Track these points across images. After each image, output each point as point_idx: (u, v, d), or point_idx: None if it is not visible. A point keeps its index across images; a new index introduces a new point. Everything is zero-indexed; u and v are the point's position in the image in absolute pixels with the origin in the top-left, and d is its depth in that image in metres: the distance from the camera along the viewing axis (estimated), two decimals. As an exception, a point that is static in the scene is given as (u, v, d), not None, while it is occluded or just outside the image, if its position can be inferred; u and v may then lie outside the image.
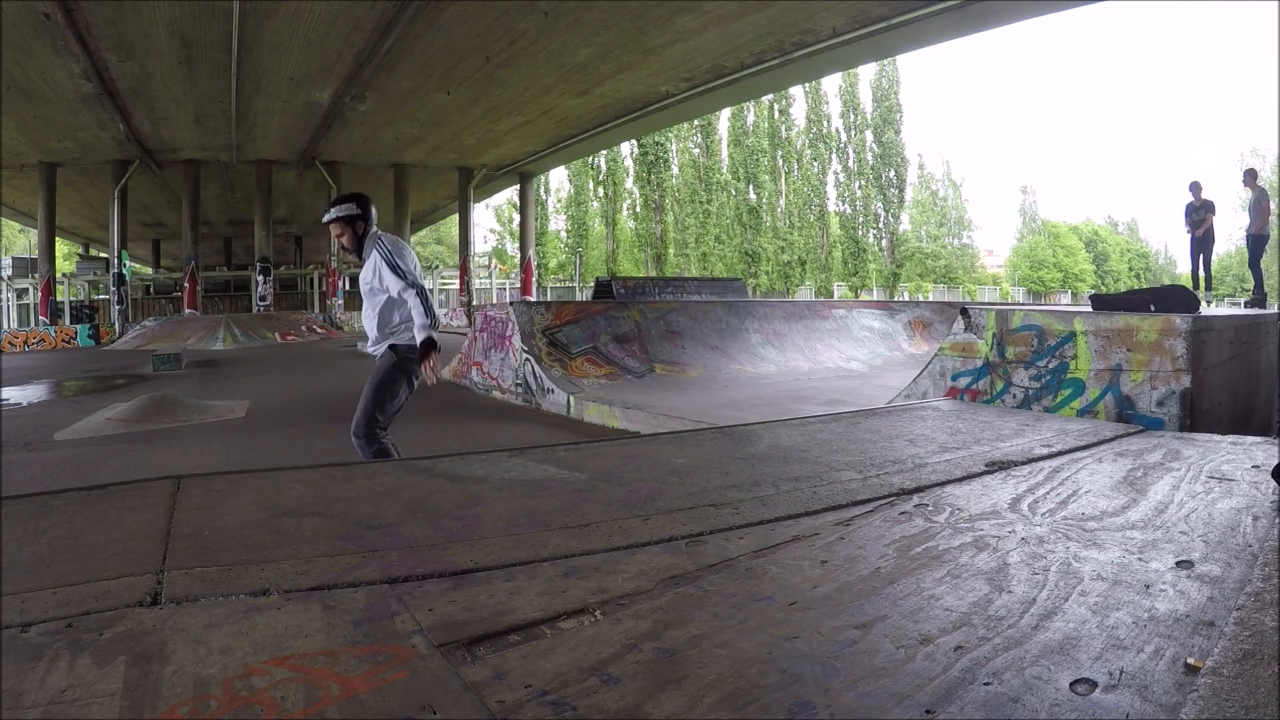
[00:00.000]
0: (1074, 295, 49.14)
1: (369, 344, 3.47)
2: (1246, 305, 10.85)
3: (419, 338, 3.22)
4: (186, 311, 24.73)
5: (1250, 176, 10.33)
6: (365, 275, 3.40)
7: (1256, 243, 10.23)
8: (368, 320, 3.43)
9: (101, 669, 1.26)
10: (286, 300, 31.53)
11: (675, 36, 15.70)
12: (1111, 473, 2.74)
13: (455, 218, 33.38)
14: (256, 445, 5.56)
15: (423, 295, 3.25)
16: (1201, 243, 10.56)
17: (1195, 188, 10.51)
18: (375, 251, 3.34)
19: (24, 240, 42.81)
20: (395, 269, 3.27)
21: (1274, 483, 2.38)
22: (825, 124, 45.72)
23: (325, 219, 3.41)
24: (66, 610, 1.49)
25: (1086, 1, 13.66)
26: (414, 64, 16.91)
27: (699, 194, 43.27)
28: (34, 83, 16.47)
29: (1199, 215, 10.45)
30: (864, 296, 41.68)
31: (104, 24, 14.01)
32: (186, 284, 24.96)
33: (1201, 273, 10.70)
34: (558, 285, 43.62)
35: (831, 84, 44.53)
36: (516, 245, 38.43)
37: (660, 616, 1.50)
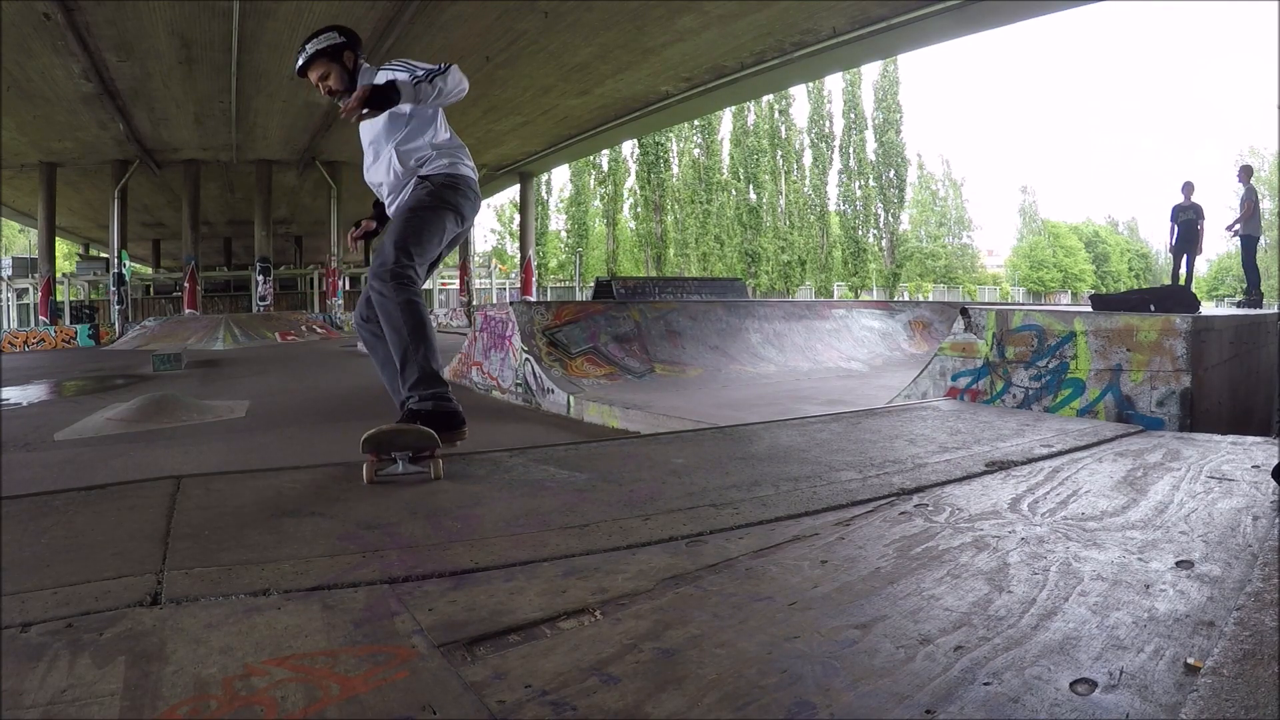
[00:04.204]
0: (1074, 295, 49.13)
1: (391, 206, 2.72)
2: (1238, 306, 10.86)
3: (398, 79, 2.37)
4: (186, 311, 24.73)
5: (1245, 173, 10.34)
6: (364, 127, 2.67)
7: (1245, 242, 10.26)
8: (379, 172, 2.69)
9: (101, 669, 1.26)
10: (286, 300, 31.53)
11: (675, 36, 15.71)
12: (1111, 473, 2.74)
13: (455, 218, 33.29)
14: (256, 445, 5.56)
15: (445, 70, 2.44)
16: (1185, 243, 10.57)
17: (1187, 188, 10.52)
18: (387, 73, 2.54)
19: (24, 240, 42.80)
20: (409, 69, 2.49)
21: (1274, 483, 2.38)
22: (827, 124, 45.72)
23: (302, 61, 2.62)
24: (66, 610, 1.49)
25: (1087, 1, 13.67)
26: (414, 64, 16.92)
27: (699, 194, 43.27)
28: (34, 83, 16.47)
29: (1186, 216, 10.46)
30: (864, 296, 41.67)
31: (104, 24, 14.02)
32: (186, 284, 24.97)
33: (1183, 272, 10.72)
34: (558, 285, 43.62)
35: (833, 83, 44.54)
36: (516, 245, 38.42)
37: (660, 616, 1.50)
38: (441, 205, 2.60)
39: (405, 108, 2.55)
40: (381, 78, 2.54)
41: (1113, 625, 1.45)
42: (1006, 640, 1.40)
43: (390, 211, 2.74)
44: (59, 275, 26.58)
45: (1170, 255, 11.17)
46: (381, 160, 2.67)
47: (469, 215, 2.69)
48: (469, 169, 2.74)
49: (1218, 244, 41.65)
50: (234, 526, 2.06)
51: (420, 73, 2.44)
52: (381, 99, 2.32)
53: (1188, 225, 10.45)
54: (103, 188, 24.41)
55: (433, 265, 2.71)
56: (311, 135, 22.29)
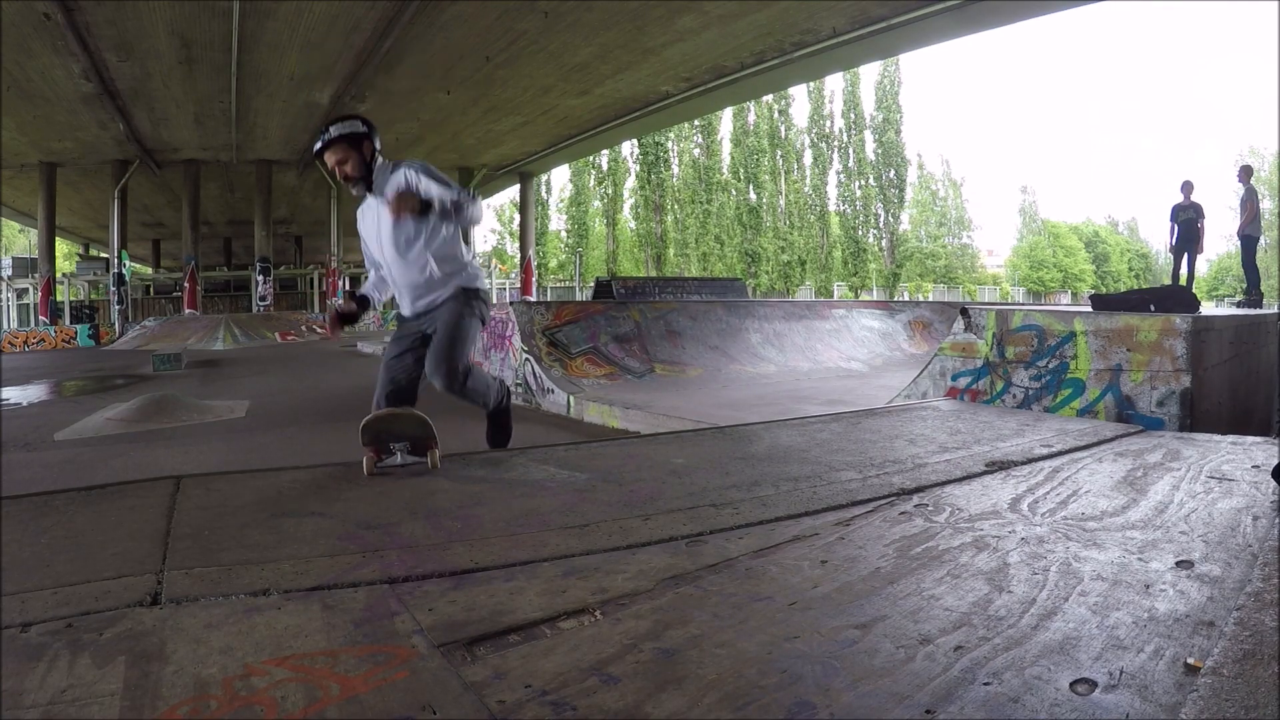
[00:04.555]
0: (1074, 295, 49.12)
1: (417, 302, 2.91)
2: (1239, 306, 10.84)
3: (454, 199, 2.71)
4: (186, 311, 24.72)
5: (1245, 173, 10.32)
6: (385, 217, 2.78)
7: (1245, 242, 10.24)
8: (409, 273, 2.85)
9: (101, 669, 1.26)
10: (286, 300, 31.51)
11: (675, 36, 15.70)
12: (1111, 473, 2.74)
13: (455, 218, 33.28)
14: (256, 445, 5.55)
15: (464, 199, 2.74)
16: (1185, 242, 10.54)
17: (1186, 187, 10.50)
18: (405, 175, 2.77)
19: (24, 240, 42.79)
20: (441, 180, 2.75)
21: (1274, 483, 2.38)
22: (827, 124, 45.72)
23: (321, 143, 2.78)
24: (66, 610, 1.49)
25: (1087, 1, 13.67)
26: (414, 64, 16.91)
27: (699, 194, 43.26)
28: (34, 83, 16.47)
29: (1185, 215, 10.43)
30: (864, 296, 41.67)
31: (104, 24, 14.01)
32: (186, 284, 24.96)
33: (1184, 272, 10.69)
34: (558, 285, 43.60)
35: (833, 83, 44.53)
36: (516, 245, 38.43)
37: (660, 616, 1.50)
38: (477, 318, 2.97)
39: (449, 198, 2.79)
40: (399, 177, 2.80)
41: (1113, 625, 1.45)
42: (1006, 640, 1.40)
43: (412, 304, 2.95)
44: (59, 275, 26.57)
45: (1170, 255, 11.15)
46: (413, 262, 2.85)
47: (487, 319, 3.12)
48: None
49: (1218, 244, 41.61)
50: (234, 526, 2.06)
51: (454, 192, 2.75)
52: (425, 209, 2.69)
53: (1187, 225, 10.43)
54: (103, 188, 24.39)
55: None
56: (311, 135, 22.27)
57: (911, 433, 3.54)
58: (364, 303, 3.06)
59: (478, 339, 3.05)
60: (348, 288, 29.42)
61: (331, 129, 2.78)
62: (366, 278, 3.19)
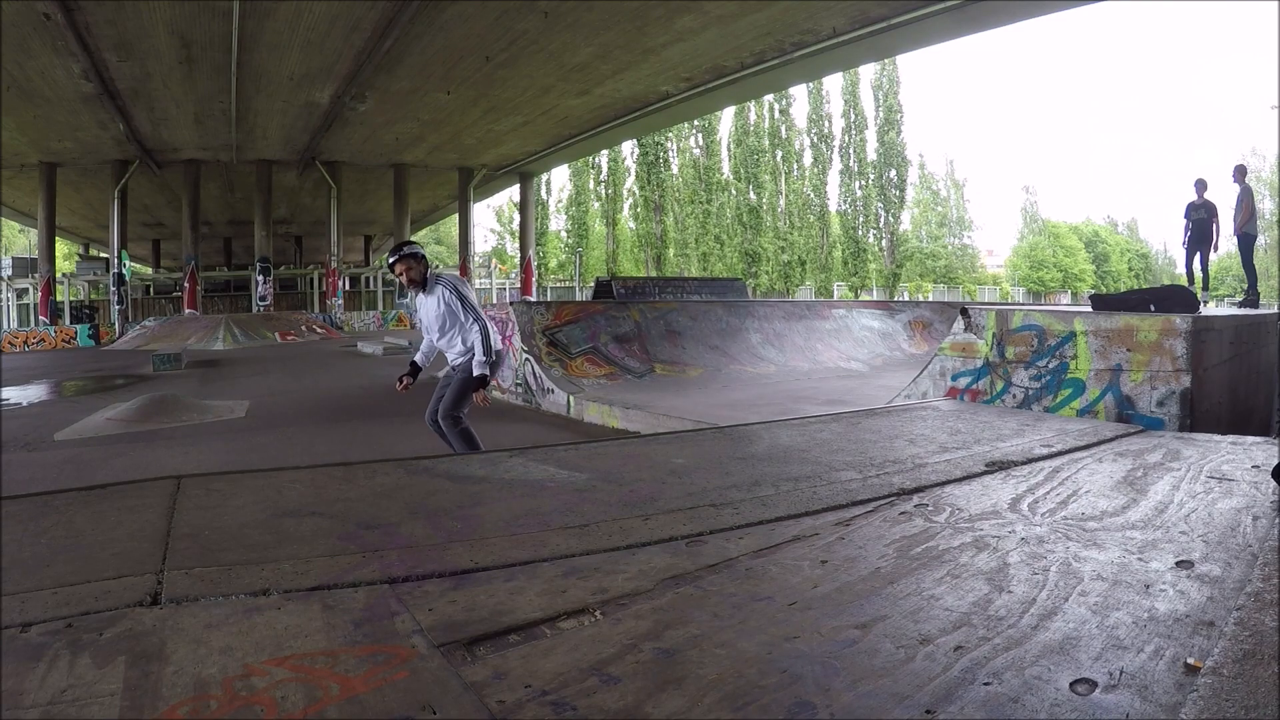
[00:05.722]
0: (1074, 295, 49.12)
1: (454, 358, 4.18)
2: (1239, 305, 10.81)
3: (475, 371, 3.96)
4: (186, 311, 24.73)
5: (1239, 172, 10.29)
6: (431, 308, 4.07)
7: (1242, 241, 10.22)
8: (449, 341, 4.12)
9: (101, 669, 1.26)
10: (286, 300, 31.49)
11: (675, 36, 15.71)
12: (1111, 473, 2.74)
13: (455, 218, 33.39)
14: (256, 445, 5.55)
15: (484, 332, 3.96)
16: (1199, 242, 10.50)
17: (1200, 186, 10.45)
18: (442, 288, 4.03)
19: (24, 240, 42.78)
20: (468, 306, 4.04)
21: (1274, 483, 2.38)
22: (826, 124, 45.71)
23: (395, 259, 4.05)
24: (66, 610, 1.49)
25: (1087, 1, 13.67)
26: (414, 64, 16.92)
27: (699, 194, 43.26)
28: (34, 83, 16.47)
29: (1198, 214, 10.39)
30: (864, 296, 41.66)
31: (104, 24, 14.01)
32: (186, 284, 24.97)
33: (1199, 272, 10.65)
34: (558, 285, 43.61)
35: (833, 83, 44.49)
36: (516, 245, 38.45)
37: (660, 616, 1.50)
38: (477, 382, 4.04)
39: (465, 321, 4.03)
40: (439, 292, 4.02)
41: (1113, 625, 1.45)
42: (1006, 640, 1.40)
43: (454, 359, 4.12)
44: (59, 275, 26.55)
45: (1183, 253, 11.08)
46: (454, 340, 4.08)
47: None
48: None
49: (1219, 244, 41.54)
50: (234, 526, 2.06)
51: (479, 322, 3.98)
52: (484, 383, 4.00)
53: (1201, 224, 10.38)
54: (103, 188, 24.39)
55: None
56: (311, 135, 22.29)
57: (911, 433, 3.54)
58: (415, 369, 4.20)
59: (472, 396, 4.07)
60: (348, 287, 29.37)
61: (404, 249, 4.05)
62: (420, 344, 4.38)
